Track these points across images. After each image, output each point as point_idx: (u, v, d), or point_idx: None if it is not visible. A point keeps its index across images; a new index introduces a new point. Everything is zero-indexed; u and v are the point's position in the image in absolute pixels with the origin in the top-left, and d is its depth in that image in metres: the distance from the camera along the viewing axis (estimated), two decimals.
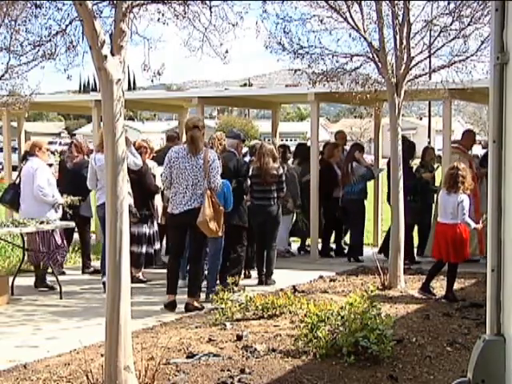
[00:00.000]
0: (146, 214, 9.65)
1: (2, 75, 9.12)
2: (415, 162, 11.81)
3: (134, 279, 9.59)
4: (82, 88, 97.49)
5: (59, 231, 9.14)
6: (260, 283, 9.40)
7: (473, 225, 8.19)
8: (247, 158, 10.37)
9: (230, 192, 8.56)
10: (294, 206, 11.28)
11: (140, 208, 9.39)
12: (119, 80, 4.82)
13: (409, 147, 10.90)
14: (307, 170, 11.47)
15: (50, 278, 9.32)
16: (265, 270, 9.52)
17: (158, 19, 5.49)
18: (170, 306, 8.00)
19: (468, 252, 8.32)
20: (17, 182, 9.52)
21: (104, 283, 9.04)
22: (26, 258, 9.46)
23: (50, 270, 9.30)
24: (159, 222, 10.19)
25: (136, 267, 9.56)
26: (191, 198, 7.89)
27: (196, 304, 8.01)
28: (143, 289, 9.17)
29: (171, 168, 7.95)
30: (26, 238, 9.30)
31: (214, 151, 8.43)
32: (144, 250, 9.71)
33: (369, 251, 11.10)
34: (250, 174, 9.52)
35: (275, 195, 9.46)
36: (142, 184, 9.44)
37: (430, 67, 9.20)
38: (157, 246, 10.05)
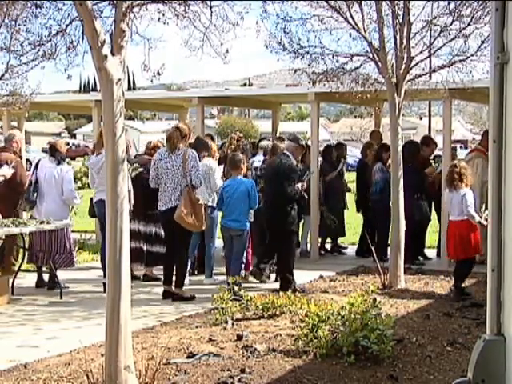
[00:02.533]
0: (157, 213, 9.65)
1: (3, 75, 9.13)
2: None
3: (145, 277, 9.72)
4: (82, 88, 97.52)
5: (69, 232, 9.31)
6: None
7: (477, 218, 8.07)
8: (261, 158, 10.39)
9: (255, 191, 8.80)
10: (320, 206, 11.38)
11: (152, 208, 9.34)
12: (119, 80, 4.82)
13: (413, 147, 10.93)
14: (330, 169, 11.61)
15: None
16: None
17: (159, 19, 5.48)
18: (166, 294, 8.55)
19: (478, 248, 8.24)
20: (33, 179, 9.41)
21: (105, 284, 9.07)
22: (28, 258, 9.48)
23: (45, 269, 9.36)
24: None
25: (146, 265, 9.75)
26: (174, 195, 8.38)
27: (183, 294, 8.50)
28: (144, 288, 9.17)
29: (156, 169, 8.51)
30: (27, 238, 9.31)
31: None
32: (155, 248, 9.74)
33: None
34: (260, 173, 9.64)
35: None
36: None
37: (430, 67, 9.19)
38: None
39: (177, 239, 8.57)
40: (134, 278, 9.57)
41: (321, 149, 12.38)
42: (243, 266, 9.07)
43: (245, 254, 9.11)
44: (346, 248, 12.34)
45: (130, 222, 9.26)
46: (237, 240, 8.82)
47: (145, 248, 9.70)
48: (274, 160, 9.15)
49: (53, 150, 9.45)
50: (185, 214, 8.21)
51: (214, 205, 9.33)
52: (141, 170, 9.34)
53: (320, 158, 11.74)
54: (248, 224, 8.85)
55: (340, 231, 12.06)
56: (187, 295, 8.55)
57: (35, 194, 9.35)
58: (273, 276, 9.65)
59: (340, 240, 12.47)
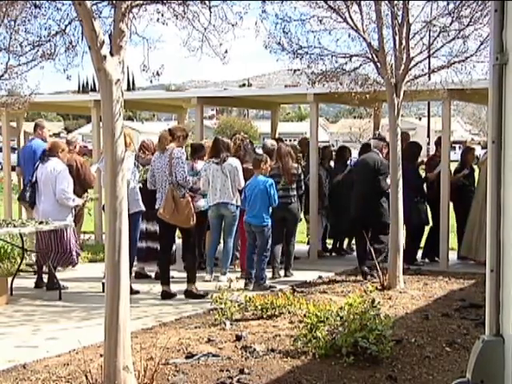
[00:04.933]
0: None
1: (2, 75, 9.11)
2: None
3: (142, 275, 9.73)
4: (81, 88, 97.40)
5: (73, 231, 9.30)
6: (273, 277, 9.74)
7: None
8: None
9: (274, 190, 9.17)
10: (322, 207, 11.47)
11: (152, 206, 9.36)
12: (118, 80, 4.82)
13: (416, 147, 11.00)
14: (339, 171, 11.69)
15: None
16: (285, 263, 10.02)
17: (158, 19, 5.48)
18: (165, 294, 8.62)
19: None
20: (32, 180, 9.48)
21: (104, 284, 9.07)
22: (33, 258, 9.48)
23: (45, 270, 9.35)
24: None
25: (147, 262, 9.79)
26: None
27: (195, 291, 8.62)
28: (142, 288, 9.16)
29: (152, 171, 8.88)
30: (27, 238, 9.31)
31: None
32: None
33: None
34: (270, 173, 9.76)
35: (295, 193, 9.91)
36: None
37: (429, 67, 9.19)
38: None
39: (182, 236, 8.87)
40: (146, 277, 9.68)
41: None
42: (266, 260, 9.32)
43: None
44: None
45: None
46: (259, 236, 9.23)
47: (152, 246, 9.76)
48: (368, 157, 9.59)
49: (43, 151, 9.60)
50: (165, 211, 8.46)
51: (238, 203, 9.60)
52: None
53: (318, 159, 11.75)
54: (269, 220, 9.21)
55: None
56: (200, 292, 8.62)
57: (31, 195, 9.40)
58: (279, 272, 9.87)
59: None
